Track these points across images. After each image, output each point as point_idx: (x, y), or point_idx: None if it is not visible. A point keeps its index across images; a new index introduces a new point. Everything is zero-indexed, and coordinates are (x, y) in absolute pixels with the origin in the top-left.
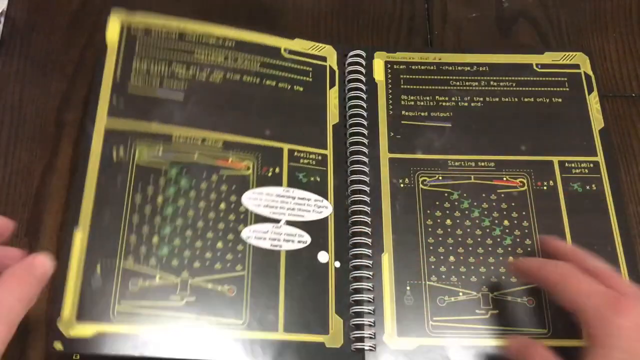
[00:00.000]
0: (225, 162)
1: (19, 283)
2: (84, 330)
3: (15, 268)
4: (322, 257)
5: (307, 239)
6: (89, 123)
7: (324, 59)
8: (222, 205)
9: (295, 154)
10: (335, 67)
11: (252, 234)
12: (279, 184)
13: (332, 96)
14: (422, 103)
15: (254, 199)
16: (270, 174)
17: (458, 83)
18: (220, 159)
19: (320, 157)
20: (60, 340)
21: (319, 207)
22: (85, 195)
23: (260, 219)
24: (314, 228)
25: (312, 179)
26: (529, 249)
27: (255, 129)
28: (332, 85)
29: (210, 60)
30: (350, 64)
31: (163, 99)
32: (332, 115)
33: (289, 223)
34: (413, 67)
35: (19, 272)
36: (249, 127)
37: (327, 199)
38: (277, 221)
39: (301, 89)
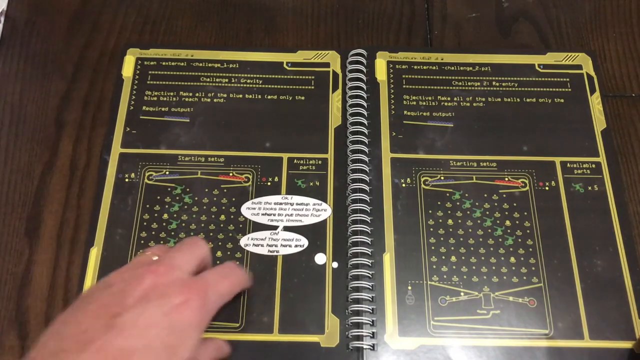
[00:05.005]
0: (226, 177)
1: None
2: None
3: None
4: (319, 258)
5: (304, 242)
6: (105, 152)
7: (327, 65)
8: (223, 217)
9: (295, 161)
10: (338, 71)
11: (250, 242)
12: (278, 192)
13: (335, 99)
14: (424, 103)
15: (253, 209)
16: (269, 183)
17: (460, 83)
18: (222, 174)
19: (320, 162)
20: None
21: (318, 211)
22: (101, 216)
23: (259, 226)
24: (313, 231)
25: (311, 183)
26: (530, 249)
27: (256, 143)
28: (335, 88)
29: (215, 83)
30: (352, 62)
31: (170, 123)
32: (334, 118)
33: (287, 228)
34: (415, 67)
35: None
36: (250, 141)
37: (326, 201)
38: (275, 228)
39: (303, 97)
